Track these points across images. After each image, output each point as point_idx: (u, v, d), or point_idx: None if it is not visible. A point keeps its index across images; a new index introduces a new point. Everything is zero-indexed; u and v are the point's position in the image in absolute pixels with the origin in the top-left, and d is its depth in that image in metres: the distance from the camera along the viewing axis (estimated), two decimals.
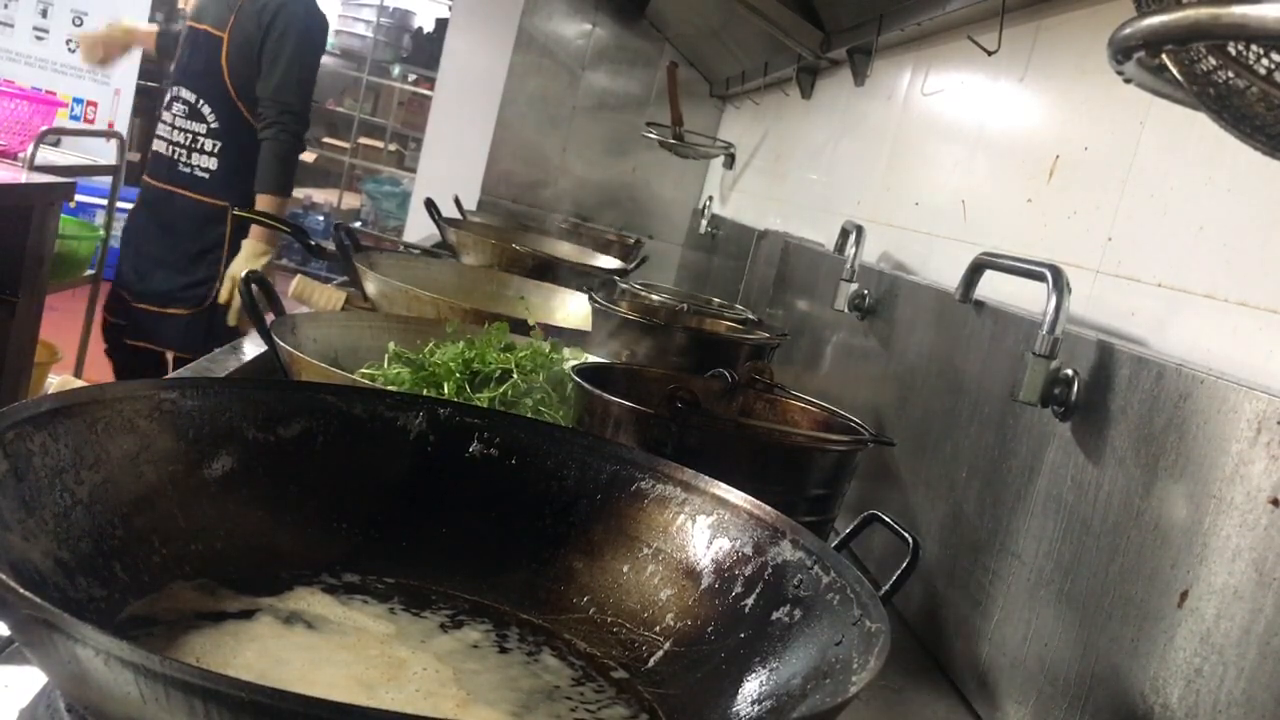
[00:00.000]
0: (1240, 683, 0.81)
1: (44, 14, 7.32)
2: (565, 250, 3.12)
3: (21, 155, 3.79)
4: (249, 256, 3.41)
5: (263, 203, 3.41)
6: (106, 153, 4.86)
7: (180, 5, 9.93)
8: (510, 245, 2.69)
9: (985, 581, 1.22)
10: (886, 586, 0.83)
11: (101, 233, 4.36)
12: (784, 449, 1.25)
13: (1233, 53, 0.62)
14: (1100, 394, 1.06)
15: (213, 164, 3.42)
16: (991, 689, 1.16)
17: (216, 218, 3.46)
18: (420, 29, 9.56)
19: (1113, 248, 1.23)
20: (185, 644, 0.78)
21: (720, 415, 1.36)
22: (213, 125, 3.41)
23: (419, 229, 4.63)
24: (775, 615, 0.85)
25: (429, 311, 1.79)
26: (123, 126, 7.26)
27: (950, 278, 1.48)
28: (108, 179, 4.62)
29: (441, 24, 8.21)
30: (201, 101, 3.39)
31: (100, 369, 4.52)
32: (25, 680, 0.77)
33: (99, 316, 3.99)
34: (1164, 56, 0.65)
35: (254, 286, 1.37)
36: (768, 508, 0.92)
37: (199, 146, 3.42)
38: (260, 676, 0.74)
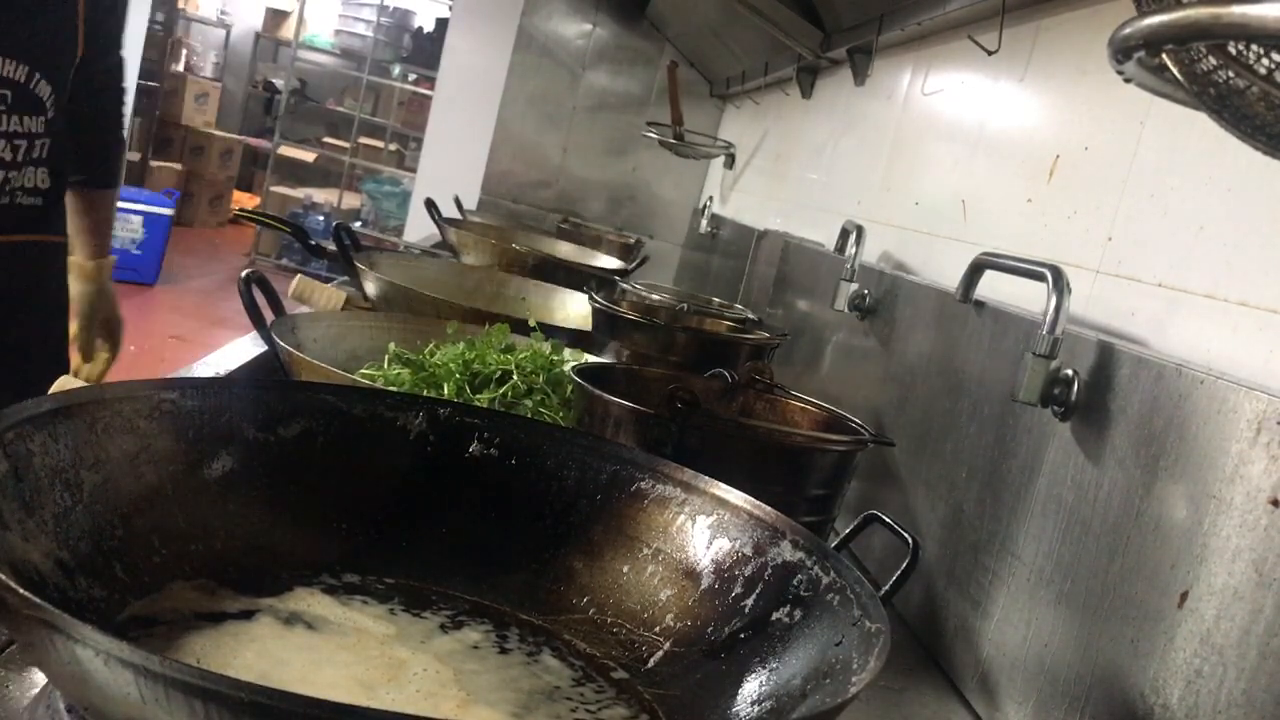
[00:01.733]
0: (1240, 683, 0.81)
1: None
2: (565, 250, 3.13)
3: None
4: (94, 300, 1.99)
5: (105, 202, 2.01)
6: None
7: (180, 5, 9.96)
8: (510, 245, 2.69)
9: (985, 581, 1.22)
10: (886, 586, 0.83)
11: None
12: (784, 449, 1.25)
13: (1233, 53, 0.62)
14: (1100, 394, 1.06)
15: (46, 179, 1.80)
16: (991, 689, 1.16)
17: (59, 260, 1.95)
18: (420, 29, 9.57)
19: (1113, 248, 1.23)
20: (185, 644, 0.77)
21: (720, 415, 1.36)
22: (51, 116, 1.78)
23: (419, 229, 4.63)
24: (775, 615, 0.85)
25: (429, 311, 1.79)
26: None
27: (950, 278, 1.48)
28: None
29: (441, 24, 8.21)
30: (38, 78, 1.73)
31: None
32: (25, 680, 0.77)
33: None
34: (1164, 56, 0.65)
35: (254, 286, 1.37)
36: (768, 508, 0.92)
37: (32, 155, 1.76)
38: (260, 677, 0.75)
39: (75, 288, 1.99)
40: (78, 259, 1.99)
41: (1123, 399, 1.02)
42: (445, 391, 1.41)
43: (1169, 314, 1.10)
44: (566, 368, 1.46)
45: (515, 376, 1.44)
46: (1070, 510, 1.08)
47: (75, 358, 2.05)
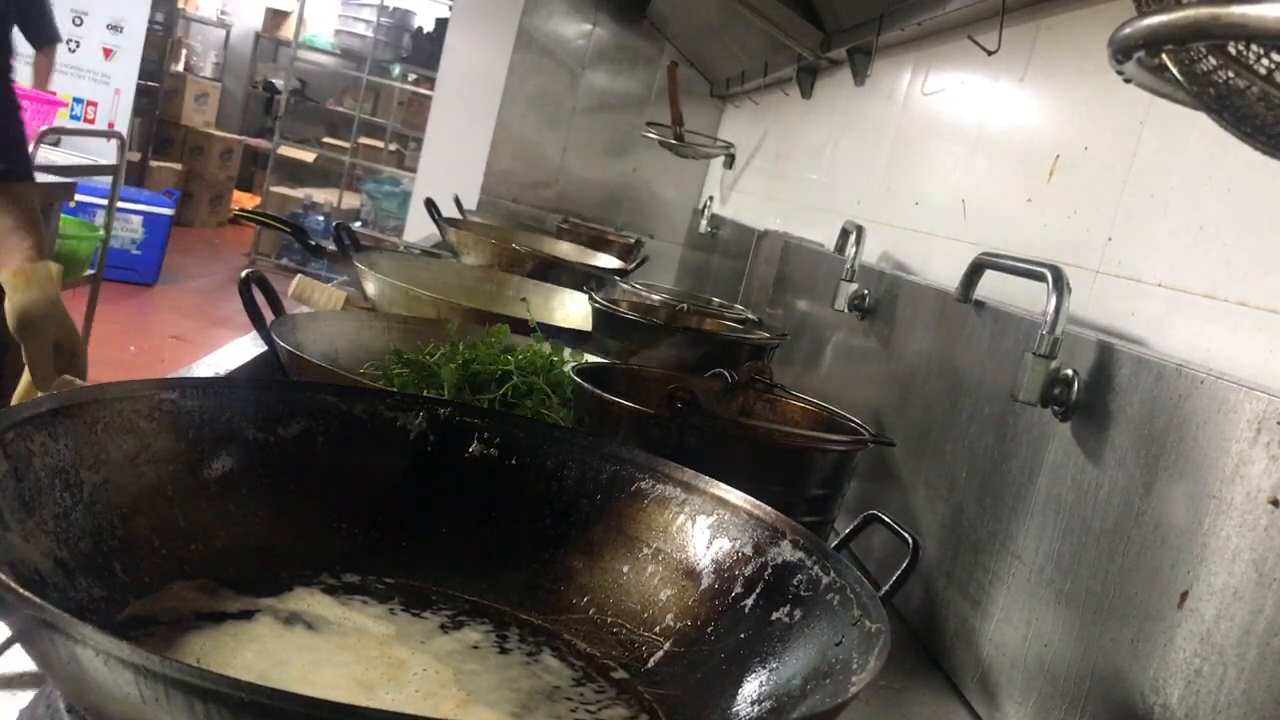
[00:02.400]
0: (1240, 683, 0.81)
1: None
2: (565, 250, 3.12)
3: None
4: (46, 311, 1.57)
5: (30, 195, 1.64)
6: (106, 153, 4.86)
7: (180, 5, 9.97)
8: (510, 245, 2.69)
9: (985, 581, 1.22)
10: (886, 586, 0.83)
11: (101, 233, 4.37)
12: (784, 449, 1.25)
13: (1233, 53, 0.62)
14: (1100, 394, 1.06)
15: None
16: (991, 689, 1.16)
17: None
18: (420, 29, 9.56)
19: (1113, 248, 1.23)
20: (185, 644, 0.78)
21: (720, 415, 1.36)
22: None
23: (419, 229, 4.62)
24: (775, 615, 0.85)
25: (429, 311, 1.79)
26: (123, 126, 7.27)
27: (950, 278, 1.48)
28: (108, 179, 4.62)
29: (441, 24, 8.21)
30: None
31: (100, 369, 4.52)
32: (25, 680, 0.77)
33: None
34: (1164, 56, 0.65)
35: (254, 286, 1.37)
36: (768, 508, 0.92)
37: None
38: (260, 677, 0.75)
39: (18, 298, 1.52)
40: (14, 265, 1.54)
41: (1123, 399, 1.02)
42: (445, 392, 1.41)
43: (1169, 314, 1.09)
44: (566, 368, 1.46)
45: (515, 377, 1.44)
46: (1070, 510, 1.08)
47: (25, 387, 1.58)
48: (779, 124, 3.41)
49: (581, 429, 1.25)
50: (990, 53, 1.65)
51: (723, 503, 0.95)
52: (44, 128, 3.90)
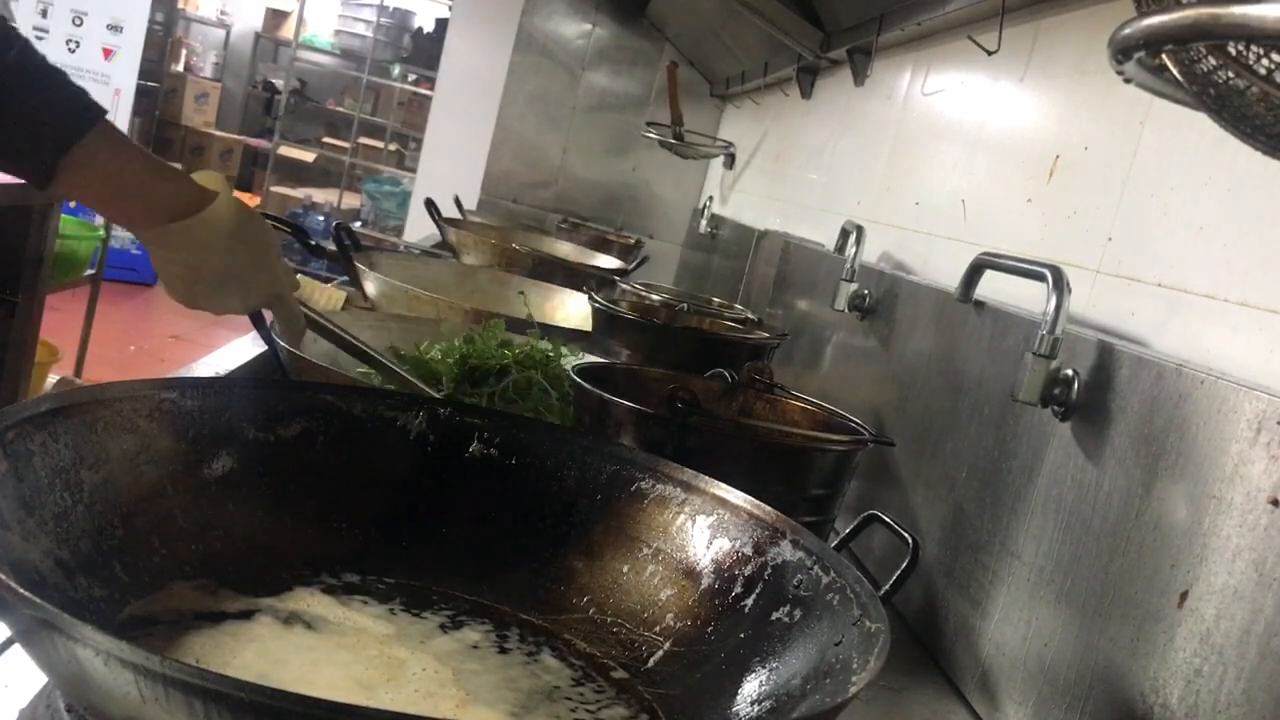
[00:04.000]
0: (1240, 683, 0.81)
1: (44, 14, 7.33)
2: (565, 250, 3.13)
3: None
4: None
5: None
6: None
7: (180, 5, 9.96)
8: (510, 245, 2.69)
9: (985, 581, 1.22)
10: (886, 586, 0.83)
11: (101, 233, 4.36)
12: (784, 449, 1.25)
13: (1233, 53, 0.62)
14: (1100, 394, 1.06)
15: None
16: (991, 689, 1.16)
17: None
18: (420, 29, 9.56)
19: (1113, 248, 1.23)
20: (185, 644, 0.78)
21: (720, 415, 1.36)
22: None
23: (419, 229, 4.62)
24: (775, 615, 0.85)
25: (429, 311, 1.79)
26: (123, 126, 7.25)
27: (950, 278, 1.48)
28: None
29: (441, 24, 8.21)
30: None
31: (100, 369, 4.52)
32: (25, 680, 0.77)
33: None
34: (1164, 56, 0.65)
35: None
36: (768, 508, 0.92)
37: None
38: (260, 677, 0.74)
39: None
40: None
41: (1123, 399, 1.02)
42: (443, 386, 1.41)
43: (1169, 314, 1.09)
44: (565, 363, 1.46)
45: (514, 371, 1.44)
46: (1070, 510, 1.08)
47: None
48: (779, 124, 3.41)
49: (581, 429, 1.25)
50: (990, 53, 1.65)
51: (723, 503, 0.95)
52: None
